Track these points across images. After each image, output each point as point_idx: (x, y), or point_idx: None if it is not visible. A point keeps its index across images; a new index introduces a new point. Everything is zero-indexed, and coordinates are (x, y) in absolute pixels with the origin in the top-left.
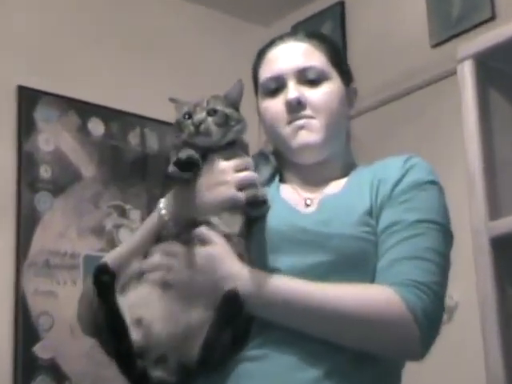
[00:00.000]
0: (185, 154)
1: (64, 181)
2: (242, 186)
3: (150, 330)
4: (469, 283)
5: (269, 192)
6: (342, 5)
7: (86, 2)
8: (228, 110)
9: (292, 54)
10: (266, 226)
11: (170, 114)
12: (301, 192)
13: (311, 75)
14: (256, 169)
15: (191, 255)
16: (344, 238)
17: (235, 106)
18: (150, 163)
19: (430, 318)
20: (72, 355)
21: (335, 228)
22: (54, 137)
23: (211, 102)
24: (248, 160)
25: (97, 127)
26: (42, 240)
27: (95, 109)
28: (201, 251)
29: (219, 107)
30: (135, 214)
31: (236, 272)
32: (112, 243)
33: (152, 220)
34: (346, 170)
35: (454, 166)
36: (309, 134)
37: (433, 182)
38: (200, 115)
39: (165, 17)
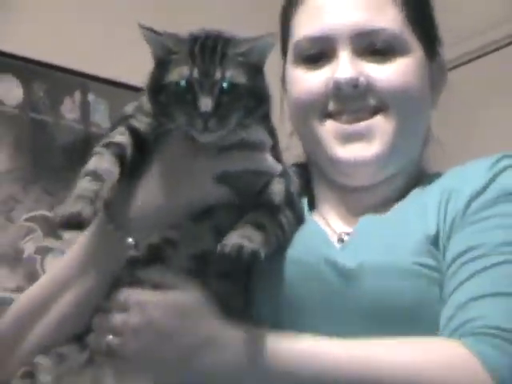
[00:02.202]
0: (72, 208)
1: None
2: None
3: None
4: None
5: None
6: None
7: None
8: (250, 85)
9: (350, 5)
10: (283, 254)
11: (130, 71)
12: (337, 225)
13: (379, 43)
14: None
15: (149, 311)
16: (390, 272)
17: (258, 69)
18: (122, 112)
19: None
20: None
21: (376, 258)
22: None
23: (230, 65)
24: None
25: (11, 91)
26: None
27: (8, 62)
28: (160, 302)
29: (241, 80)
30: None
31: (217, 335)
32: (33, 278)
33: (101, 248)
34: (413, 184)
35: None
36: (367, 144)
37: None
38: (210, 98)
39: None
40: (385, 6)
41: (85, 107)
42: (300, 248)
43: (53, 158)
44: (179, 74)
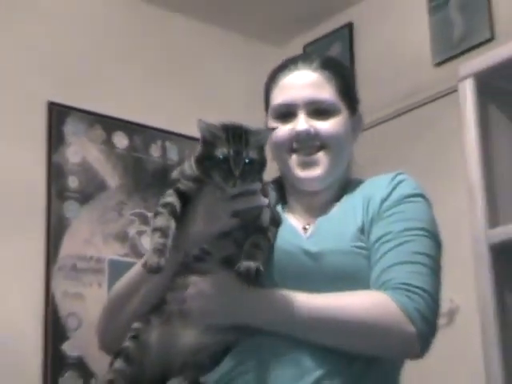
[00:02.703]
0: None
1: (90, 190)
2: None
3: (170, 350)
4: (469, 287)
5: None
6: (350, 26)
7: (112, 22)
8: (259, 159)
9: (305, 85)
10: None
11: (189, 129)
12: (301, 219)
13: (321, 108)
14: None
15: (200, 285)
16: (338, 253)
17: (263, 147)
18: (171, 174)
19: (424, 317)
20: (98, 353)
21: (329, 245)
22: (82, 149)
23: (250, 148)
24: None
25: (121, 140)
26: (70, 246)
27: (120, 123)
28: (206, 280)
29: (255, 156)
30: None
31: (246, 295)
32: (135, 249)
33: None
34: (344, 189)
35: (455, 178)
36: (315, 168)
37: (419, 195)
38: (239, 168)
39: (186, 37)
40: (324, 86)
41: (164, 149)
42: (281, 240)
43: (145, 179)
44: (221, 151)
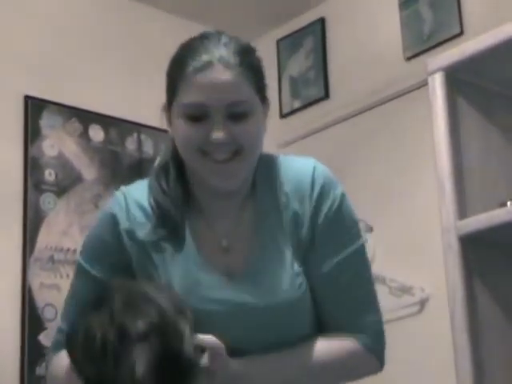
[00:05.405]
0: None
1: (67, 183)
2: None
3: None
4: (439, 277)
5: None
6: (322, 21)
7: (88, 16)
8: None
9: (222, 87)
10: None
11: (164, 122)
12: (214, 228)
13: (239, 109)
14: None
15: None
16: (285, 305)
17: None
18: (146, 167)
19: (384, 348)
20: None
21: (276, 299)
22: (58, 142)
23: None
24: None
25: (97, 133)
26: (47, 237)
27: (96, 117)
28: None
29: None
30: None
31: (241, 371)
32: None
33: None
34: (254, 176)
35: (425, 170)
36: (231, 178)
37: (342, 195)
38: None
39: (159, 31)
40: (243, 84)
41: (139, 143)
42: (210, 293)
43: (121, 171)
44: None
